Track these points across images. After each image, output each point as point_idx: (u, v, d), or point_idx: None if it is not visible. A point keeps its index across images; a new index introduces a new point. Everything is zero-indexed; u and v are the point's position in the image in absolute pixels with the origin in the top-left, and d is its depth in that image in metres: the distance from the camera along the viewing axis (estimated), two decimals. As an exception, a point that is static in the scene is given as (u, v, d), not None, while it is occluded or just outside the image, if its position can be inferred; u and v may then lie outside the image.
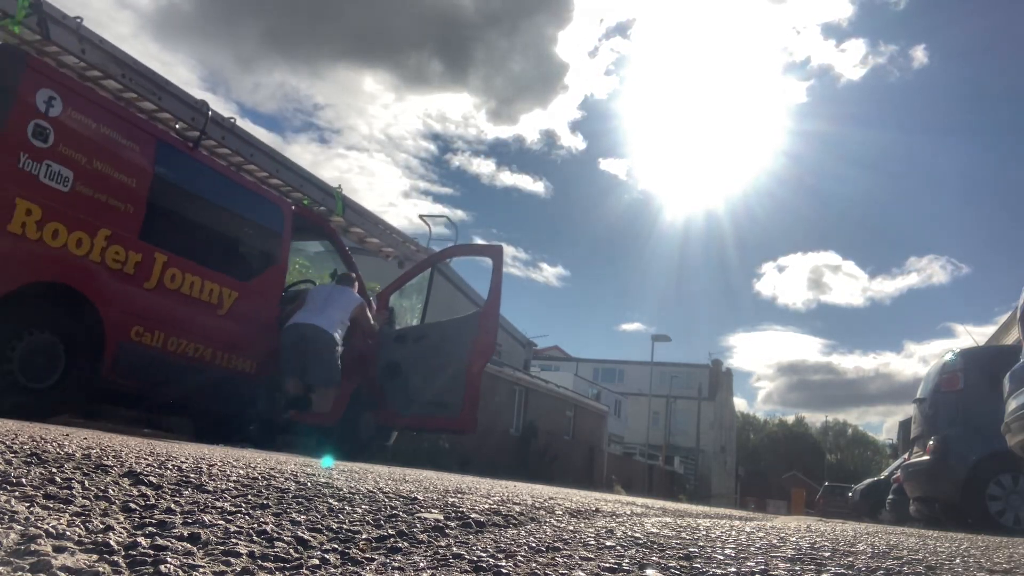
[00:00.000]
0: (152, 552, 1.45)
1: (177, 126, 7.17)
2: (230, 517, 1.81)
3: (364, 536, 1.79)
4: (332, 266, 8.75)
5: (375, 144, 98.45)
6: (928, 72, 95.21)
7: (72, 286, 5.41)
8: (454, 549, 1.76)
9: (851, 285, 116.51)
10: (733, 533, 2.65)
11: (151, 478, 2.12)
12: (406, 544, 1.78)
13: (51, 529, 1.49)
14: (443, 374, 7.99)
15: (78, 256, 5.39)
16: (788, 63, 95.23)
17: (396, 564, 1.57)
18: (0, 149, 4.92)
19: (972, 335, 24.41)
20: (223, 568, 1.43)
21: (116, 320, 5.69)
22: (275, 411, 7.26)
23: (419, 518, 2.08)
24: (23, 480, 1.86)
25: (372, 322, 8.06)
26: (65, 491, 1.81)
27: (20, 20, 5.88)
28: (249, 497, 2.08)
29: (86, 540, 1.47)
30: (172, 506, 1.84)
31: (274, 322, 7.35)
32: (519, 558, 1.70)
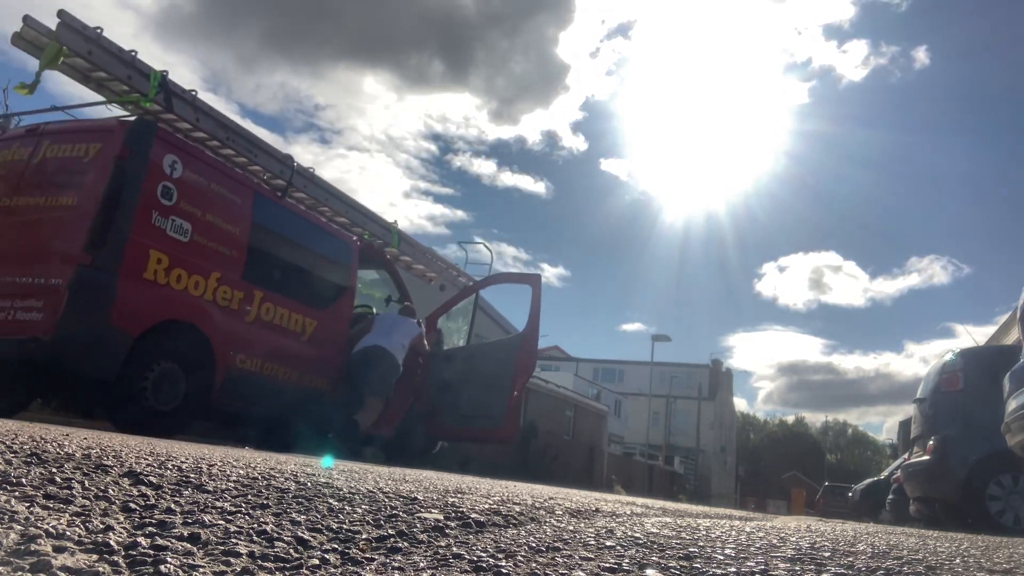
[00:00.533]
0: (152, 552, 1.45)
1: (266, 176, 8.12)
2: (230, 517, 1.81)
3: (364, 536, 1.79)
4: (385, 291, 9.91)
5: (376, 144, 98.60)
6: (930, 73, 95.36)
7: (192, 323, 6.33)
8: (454, 549, 1.76)
9: (852, 285, 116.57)
10: (733, 533, 2.65)
11: (151, 478, 2.12)
12: (406, 544, 1.78)
13: (51, 529, 1.49)
14: (488, 390, 8.92)
15: (195, 297, 6.34)
16: (789, 64, 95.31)
17: (396, 564, 1.57)
18: (138, 210, 5.88)
19: (972, 335, 24.41)
20: (223, 568, 1.43)
21: (224, 350, 6.60)
22: (347, 424, 7.97)
23: (419, 518, 2.08)
24: (23, 480, 1.86)
25: (427, 348, 9.19)
26: (65, 491, 1.81)
27: (151, 98, 6.82)
28: (249, 497, 2.08)
29: (86, 540, 1.47)
30: (172, 506, 1.84)
31: (345, 344, 8.28)
32: (519, 558, 1.70)
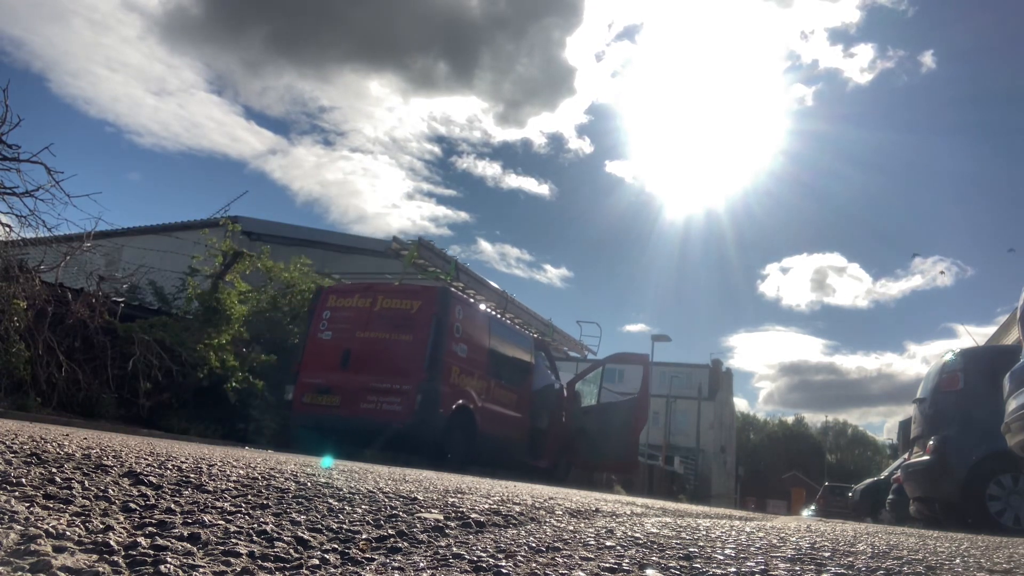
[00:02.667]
0: (152, 552, 1.45)
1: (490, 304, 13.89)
2: (230, 517, 1.81)
3: (364, 536, 1.79)
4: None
5: (379, 146, 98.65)
6: (936, 76, 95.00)
7: (467, 405, 10.04)
8: (454, 549, 1.76)
9: (855, 287, 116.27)
10: (733, 533, 2.65)
11: (151, 478, 2.11)
12: (406, 544, 1.78)
13: (51, 529, 1.49)
14: (617, 435, 13.06)
15: (468, 390, 10.15)
16: (796, 67, 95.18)
17: (396, 564, 1.57)
18: (446, 343, 9.69)
19: (972, 335, 24.41)
20: (223, 568, 1.43)
21: (480, 421, 10.36)
22: (534, 460, 12.22)
23: (419, 518, 2.08)
24: (23, 480, 1.86)
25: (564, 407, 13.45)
26: (65, 491, 1.81)
27: (451, 274, 12.40)
28: (249, 497, 2.08)
29: (86, 540, 1.47)
30: (172, 506, 1.84)
31: (529, 406, 12.10)
32: (519, 558, 1.69)
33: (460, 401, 9.79)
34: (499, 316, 12.36)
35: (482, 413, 10.31)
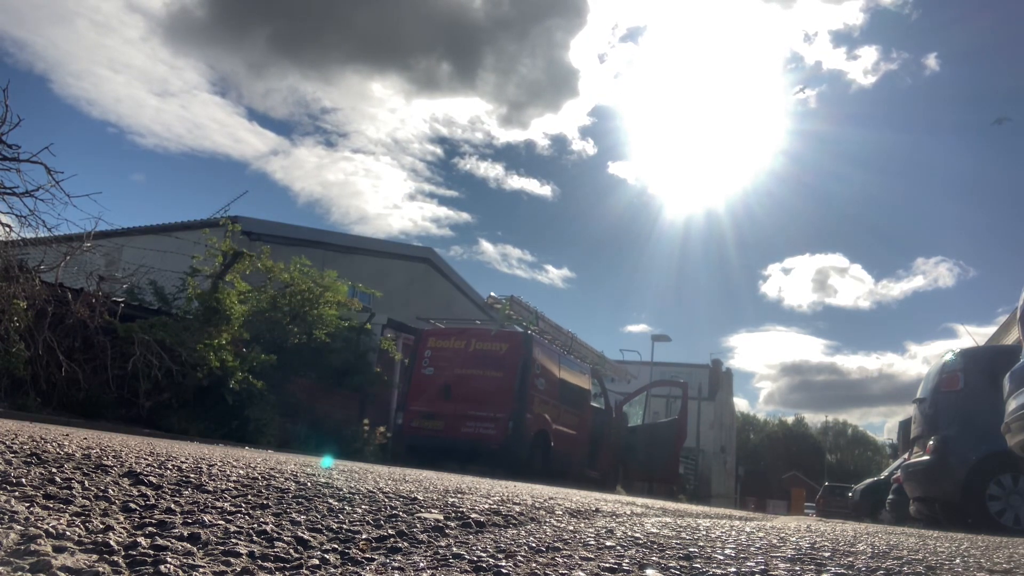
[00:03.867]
0: (152, 552, 1.45)
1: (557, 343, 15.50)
2: (230, 517, 1.81)
3: (364, 536, 1.79)
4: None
5: (381, 147, 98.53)
6: (940, 77, 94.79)
7: (544, 430, 12.29)
8: (454, 549, 1.76)
9: (857, 288, 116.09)
10: (733, 533, 2.65)
11: (151, 478, 2.11)
12: (406, 544, 1.77)
13: (51, 529, 1.49)
14: (659, 450, 15.67)
15: (545, 417, 12.42)
16: (799, 69, 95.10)
17: (396, 564, 1.57)
18: (530, 379, 11.94)
19: (972, 335, 24.39)
20: (223, 568, 1.43)
21: (553, 440, 12.60)
22: (591, 470, 14.53)
23: (419, 518, 2.08)
24: (23, 480, 1.86)
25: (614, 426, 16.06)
26: (65, 491, 1.81)
27: (533, 324, 14.70)
28: (249, 497, 2.08)
29: (86, 540, 1.47)
30: (172, 506, 1.84)
31: (587, 428, 14.43)
32: (519, 558, 1.69)
33: (540, 426, 12.28)
34: (565, 352, 14.49)
35: (555, 434, 12.72)
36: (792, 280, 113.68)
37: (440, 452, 11.55)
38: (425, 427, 12.00)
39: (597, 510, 3.29)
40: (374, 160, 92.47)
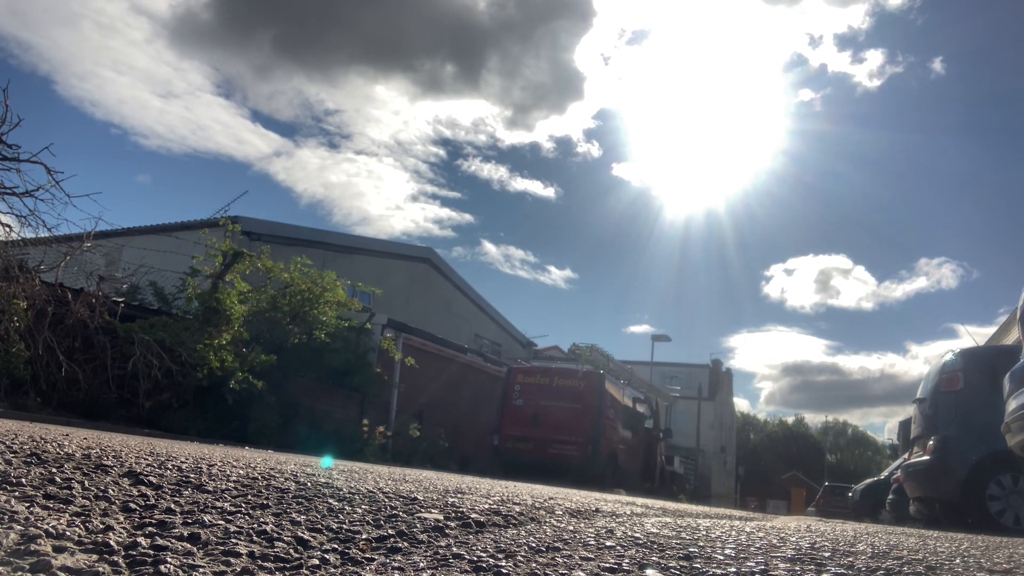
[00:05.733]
0: (152, 552, 1.45)
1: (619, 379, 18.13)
2: (230, 517, 1.81)
3: (364, 536, 1.79)
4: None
5: (384, 149, 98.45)
6: (945, 80, 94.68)
7: (612, 450, 15.65)
8: (454, 549, 1.76)
9: (860, 289, 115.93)
10: (733, 533, 2.65)
11: (151, 478, 2.12)
12: (406, 544, 1.77)
13: (51, 529, 1.49)
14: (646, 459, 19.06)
15: (614, 439, 15.63)
16: (803, 71, 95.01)
17: (396, 564, 1.57)
18: (604, 411, 15.12)
19: (972, 335, 24.39)
20: (223, 568, 1.43)
21: (620, 459, 15.87)
22: (646, 481, 17.51)
23: (419, 518, 2.08)
24: (23, 480, 1.86)
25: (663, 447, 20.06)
26: (65, 491, 1.81)
27: (604, 365, 17.52)
28: (249, 497, 2.08)
29: (86, 540, 1.47)
30: (172, 506, 1.84)
31: (643, 448, 17.90)
32: (519, 558, 1.69)
33: (611, 447, 15.24)
34: (626, 383, 17.94)
35: (621, 453, 15.89)
36: (795, 281, 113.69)
37: (531, 468, 13.62)
38: (518, 448, 14.79)
39: (597, 510, 3.29)
40: (377, 162, 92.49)
